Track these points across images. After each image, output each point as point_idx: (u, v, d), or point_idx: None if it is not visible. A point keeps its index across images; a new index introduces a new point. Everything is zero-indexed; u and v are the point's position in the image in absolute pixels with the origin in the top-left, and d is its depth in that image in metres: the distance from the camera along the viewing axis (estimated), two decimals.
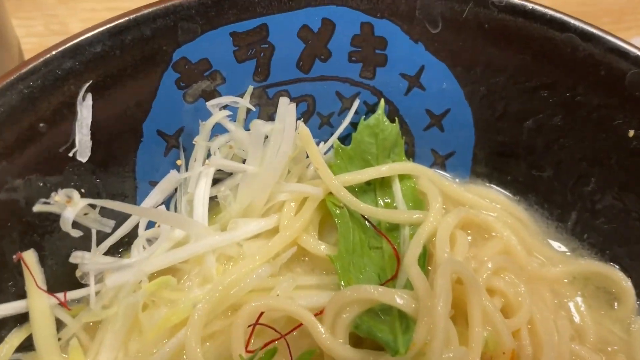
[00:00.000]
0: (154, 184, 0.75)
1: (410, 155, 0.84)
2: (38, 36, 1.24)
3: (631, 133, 0.75)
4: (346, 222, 0.72)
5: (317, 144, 0.77)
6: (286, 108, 0.69)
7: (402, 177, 0.78)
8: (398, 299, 0.60)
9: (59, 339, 0.67)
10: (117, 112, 0.69)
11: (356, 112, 0.81)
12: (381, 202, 0.76)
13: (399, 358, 0.58)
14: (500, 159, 0.84)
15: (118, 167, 0.72)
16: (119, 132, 0.70)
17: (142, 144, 0.73)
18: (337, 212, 0.72)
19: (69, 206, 0.61)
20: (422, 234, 0.72)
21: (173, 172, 0.73)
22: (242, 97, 0.75)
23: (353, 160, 0.79)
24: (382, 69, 0.79)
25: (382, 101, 0.81)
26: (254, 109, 0.72)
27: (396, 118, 0.81)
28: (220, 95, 0.75)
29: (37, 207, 0.62)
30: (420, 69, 0.79)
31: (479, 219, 0.76)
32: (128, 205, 0.64)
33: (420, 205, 0.76)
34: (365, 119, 0.80)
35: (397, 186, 0.76)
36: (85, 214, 0.65)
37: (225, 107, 0.74)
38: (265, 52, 0.75)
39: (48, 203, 0.62)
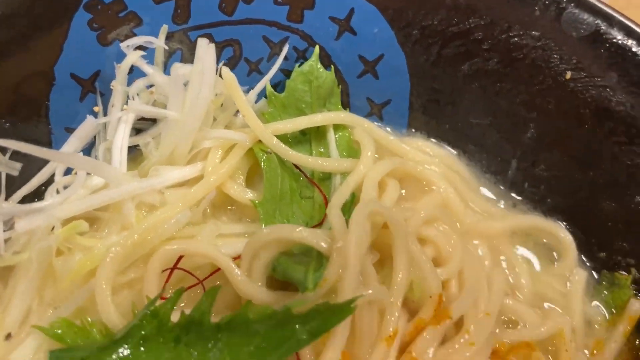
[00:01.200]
0: (70, 130, 0.72)
1: (346, 104, 0.82)
2: None
3: (568, 75, 0.73)
4: (274, 168, 0.70)
5: (247, 91, 0.74)
6: (205, 49, 0.66)
7: (338, 127, 0.76)
8: (311, 237, 0.58)
9: None
10: (26, 54, 0.66)
11: (286, 59, 0.78)
12: (315, 152, 0.73)
13: (308, 294, 0.55)
14: (437, 106, 0.82)
15: (29, 111, 0.69)
16: (28, 75, 0.67)
17: (55, 87, 0.69)
18: (264, 157, 0.70)
19: None
20: (350, 182, 0.70)
21: (90, 118, 0.70)
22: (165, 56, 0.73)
23: (287, 109, 0.76)
24: (310, 12, 0.76)
25: (317, 47, 0.78)
26: (166, 47, 0.69)
27: (332, 65, 0.79)
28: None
29: None
30: (350, 12, 0.76)
31: (416, 172, 0.74)
32: (41, 149, 0.61)
33: (355, 155, 0.74)
34: (299, 66, 0.78)
35: (331, 136, 0.74)
36: None
37: (141, 48, 0.70)
38: None
39: None
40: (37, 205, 0.64)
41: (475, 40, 0.76)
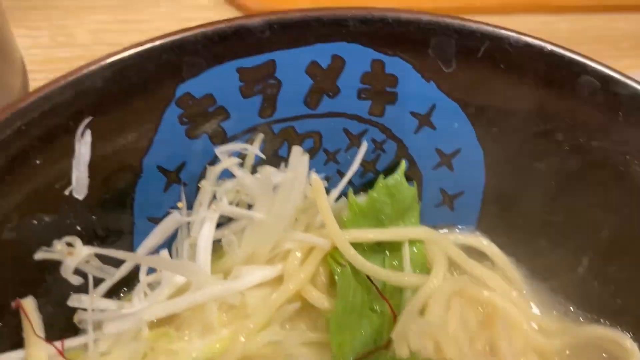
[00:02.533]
0: (152, 220, 0.73)
1: (418, 194, 0.82)
2: (44, 47, 1.22)
3: None
4: (348, 280, 0.70)
5: (327, 191, 0.75)
6: (299, 158, 0.66)
7: (413, 241, 0.76)
8: None
9: None
10: (117, 148, 0.66)
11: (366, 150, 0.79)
12: (388, 264, 0.74)
13: None
14: (510, 201, 0.81)
15: (115, 203, 0.69)
16: (118, 169, 0.68)
17: (141, 179, 0.70)
18: (338, 270, 0.70)
19: (72, 255, 0.60)
20: (418, 298, 0.70)
21: (175, 214, 0.70)
22: (249, 140, 0.74)
23: (366, 217, 0.77)
24: (391, 107, 0.76)
25: (403, 163, 0.79)
26: (263, 157, 0.70)
27: (414, 181, 0.79)
28: (224, 131, 0.72)
29: (39, 255, 0.61)
30: (432, 108, 0.77)
31: (483, 297, 0.74)
32: (130, 254, 0.63)
33: (427, 271, 0.74)
34: (384, 178, 0.79)
35: (406, 249, 0.74)
36: (87, 262, 0.64)
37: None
38: (272, 88, 0.72)
39: (50, 251, 0.61)
40: (126, 310, 0.65)
41: (556, 141, 0.76)
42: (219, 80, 0.69)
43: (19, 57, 0.98)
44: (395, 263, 0.75)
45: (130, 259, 0.65)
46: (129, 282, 0.72)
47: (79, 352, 0.67)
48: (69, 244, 0.63)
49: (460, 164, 0.80)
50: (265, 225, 0.70)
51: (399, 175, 0.79)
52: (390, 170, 0.81)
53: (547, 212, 0.80)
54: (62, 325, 0.67)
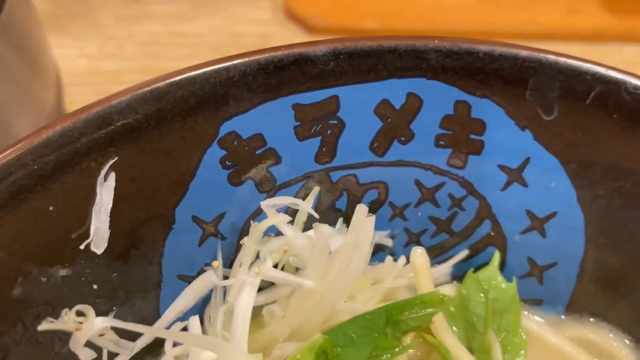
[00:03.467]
0: (183, 278, 0.61)
1: (501, 262, 0.68)
2: (89, 58, 1.15)
3: None
4: None
5: (393, 252, 0.63)
6: (363, 219, 0.54)
7: (505, 348, 0.62)
8: None
9: None
10: (145, 195, 0.56)
11: (438, 206, 0.66)
12: None
13: None
14: (613, 278, 0.67)
15: (141, 258, 0.59)
16: (146, 219, 0.57)
17: (173, 232, 0.59)
18: None
19: (81, 330, 0.50)
20: None
21: (209, 273, 0.59)
22: (303, 191, 0.62)
23: (454, 318, 0.64)
24: (476, 158, 0.63)
25: (497, 255, 0.67)
26: (317, 216, 0.58)
27: (514, 278, 0.66)
28: (273, 177, 0.61)
29: (44, 326, 0.51)
30: (525, 162, 0.63)
31: None
32: (152, 328, 0.52)
33: None
34: (474, 272, 0.66)
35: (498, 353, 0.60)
36: (101, 335, 0.53)
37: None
38: (333, 129, 0.60)
39: (56, 322, 0.51)
40: None
41: None
42: (271, 118, 0.58)
43: (53, 69, 0.90)
44: None
45: (152, 333, 0.54)
46: (153, 349, 0.61)
47: None
48: (80, 313, 0.52)
49: (554, 230, 0.66)
50: (318, 296, 0.58)
51: (492, 267, 0.66)
52: (466, 231, 0.68)
53: None
54: None
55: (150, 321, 0.60)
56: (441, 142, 0.63)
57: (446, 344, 0.60)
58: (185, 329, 0.60)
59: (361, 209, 0.55)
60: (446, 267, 0.68)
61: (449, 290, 0.66)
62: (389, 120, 0.61)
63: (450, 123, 0.62)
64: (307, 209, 0.58)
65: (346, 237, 0.55)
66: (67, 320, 0.50)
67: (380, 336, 0.57)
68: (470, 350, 0.62)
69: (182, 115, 0.55)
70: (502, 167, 0.64)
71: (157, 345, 0.61)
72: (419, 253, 0.61)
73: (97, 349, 0.55)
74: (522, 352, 0.63)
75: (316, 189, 0.62)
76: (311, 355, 0.54)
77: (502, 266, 0.69)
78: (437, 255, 0.69)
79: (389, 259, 0.66)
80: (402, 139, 0.62)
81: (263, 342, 0.61)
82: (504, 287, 0.65)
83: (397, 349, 0.58)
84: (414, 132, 0.62)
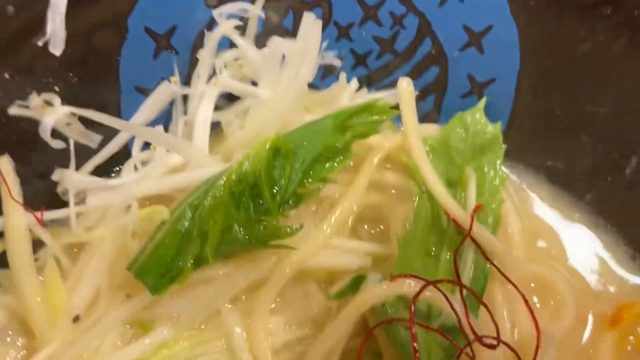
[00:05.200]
0: (140, 90, 0.65)
1: (442, 82, 0.72)
2: None
3: None
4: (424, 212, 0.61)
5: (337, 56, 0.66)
6: (310, 26, 0.58)
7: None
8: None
9: (36, 259, 0.59)
10: (97, 3, 0.60)
11: (380, 25, 0.70)
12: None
13: None
14: (548, 88, 0.71)
15: (98, 66, 0.62)
16: (99, 25, 0.60)
17: (127, 42, 0.62)
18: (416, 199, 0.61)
19: (48, 112, 0.53)
20: None
21: (167, 84, 0.63)
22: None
23: (435, 152, 0.66)
24: None
25: (484, 100, 0.69)
26: (263, 16, 0.61)
27: (500, 122, 0.69)
28: None
29: (13, 110, 0.54)
30: None
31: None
32: (120, 121, 0.56)
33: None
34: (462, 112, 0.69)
35: (472, 187, 0.63)
36: (68, 124, 0.56)
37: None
38: None
39: (25, 106, 0.55)
40: (113, 181, 0.58)
41: (602, 16, 0.65)
42: None
43: None
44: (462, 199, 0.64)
45: (119, 127, 0.57)
46: (120, 162, 0.66)
47: (62, 230, 0.61)
48: (47, 102, 0.56)
49: (491, 45, 0.70)
50: (271, 103, 0.61)
51: (477, 109, 0.69)
52: (409, 51, 0.72)
53: (592, 102, 0.70)
54: (45, 200, 0.60)
55: (114, 132, 0.64)
56: None
57: (420, 168, 0.61)
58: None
59: (309, 16, 0.59)
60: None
61: (433, 129, 0.69)
62: None
63: None
64: (257, 13, 0.61)
65: (295, 43, 0.59)
66: (35, 104, 0.53)
67: (329, 138, 0.60)
68: (448, 184, 0.65)
69: None
70: None
71: (123, 160, 0.65)
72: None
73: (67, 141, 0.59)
74: (500, 191, 0.64)
75: None
76: (264, 150, 0.57)
77: (445, 86, 0.73)
78: (383, 77, 0.73)
79: (342, 76, 0.69)
80: None
81: (225, 150, 0.65)
82: (486, 126, 0.68)
83: (345, 154, 0.61)
84: None
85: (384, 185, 0.65)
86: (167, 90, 0.64)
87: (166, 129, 0.67)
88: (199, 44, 0.66)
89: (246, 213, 0.57)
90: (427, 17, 0.69)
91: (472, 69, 0.72)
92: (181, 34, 0.65)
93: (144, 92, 0.65)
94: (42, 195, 0.62)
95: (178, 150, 0.61)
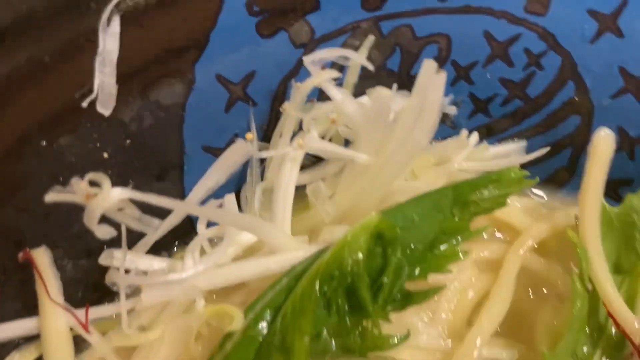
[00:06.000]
0: (210, 150, 0.53)
1: (583, 135, 0.57)
2: None
3: None
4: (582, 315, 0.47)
5: (455, 125, 0.52)
6: (431, 77, 0.43)
7: None
8: None
9: None
10: (158, 44, 0.47)
11: (511, 65, 0.55)
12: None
13: None
14: None
15: (158, 123, 0.50)
16: (160, 75, 0.48)
17: (194, 93, 0.50)
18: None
19: (95, 199, 0.41)
20: None
21: (241, 143, 0.50)
22: (349, 45, 0.51)
23: (610, 227, 0.51)
24: (560, 1, 0.52)
25: None
26: (371, 67, 0.47)
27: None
28: (311, 28, 0.51)
29: (50, 197, 0.43)
30: (621, 5, 0.51)
31: None
32: (179, 203, 0.45)
33: None
34: None
35: None
36: (120, 210, 0.45)
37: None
38: None
39: (65, 191, 0.43)
40: (174, 276, 0.46)
41: None
42: None
43: None
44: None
45: (182, 208, 0.46)
46: (184, 233, 0.54)
47: (112, 323, 0.51)
48: (93, 183, 0.44)
49: None
50: (371, 171, 0.48)
51: None
52: (544, 97, 0.57)
53: None
54: (89, 287, 0.51)
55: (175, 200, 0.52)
56: None
57: (588, 248, 0.48)
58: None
59: (429, 64, 0.44)
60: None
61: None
62: None
63: None
64: (360, 62, 0.48)
65: (410, 99, 0.45)
66: (78, 188, 0.41)
67: (446, 218, 0.48)
68: (616, 268, 0.50)
69: None
70: (592, 13, 0.52)
71: (186, 230, 0.54)
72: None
73: (117, 227, 0.47)
74: None
75: (370, 39, 0.51)
76: (365, 237, 0.45)
77: (585, 140, 0.58)
78: (507, 127, 0.59)
79: (463, 133, 0.56)
80: None
81: (308, 225, 0.52)
82: None
83: (464, 235, 0.48)
84: None
85: (525, 274, 0.52)
86: (241, 149, 0.51)
87: (238, 195, 0.54)
88: (281, 93, 0.52)
89: (339, 317, 0.46)
90: (573, 56, 0.54)
91: (625, 120, 0.56)
92: (260, 82, 0.52)
93: (213, 152, 0.53)
94: (87, 275, 0.51)
95: (254, 232, 0.49)
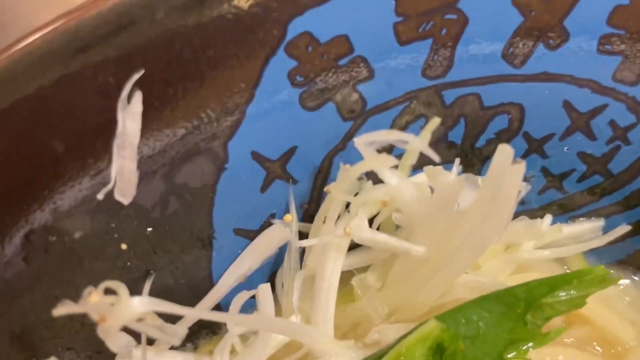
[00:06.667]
0: (240, 232, 0.47)
1: None
2: None
3: None
4: None
5: (524, 201, 0.45)
6: (507, 165, 0.36)
7: None
8: None
9: None
10: (186, 123, 0.41)
11: (594, 138, 0.47)
12: None
13: None
14: None
15: (184, 209, 0.44)
16: (188, 156, 0.42)
17: (226, 173, 0.43)
18: None
19: (111, 312, 0.35)
20: None
21: (278, 226, 0.44)
22: (405, 118, 0.44)
23: None
24: None
25: None
26: (437, 160, 0.39)
27: None
28: (362, 99, 0.44)
29: (59, 311, 0.37)
30: None
31: None
32: (205, 312, 0.38)
33: None
34: None
35: None
36: (140, 320, 0.39)
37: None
38: (450, 26, 0.42)
39: (75, 305, 0.37)
40: None
41: None
42: (361, 12, 0.40)
43: None
44: None
45: (209, 317, 0.40)
46: (211, 322, 0.48)
47: None
48: (110, 291, 0.38)
49: None
50: (429, 265, 0.41)
51: None
52: (628, 173, 0.49)
53: None
54: None
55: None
56: (607, 47, 0.43)
57: None
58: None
59: (504, 150, 0.37)
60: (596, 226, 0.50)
61: None
62: (532, 13, 0.42)
63: (623, 17, 0.42)
64: (420, 149, 0.40)
65: (480, 191, 0.37)
66: (92, 301, 0.35)
67: (517, 326, 0.40)
68: None
69: (233, 12, 0.38)
70: None
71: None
72: None
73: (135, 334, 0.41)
74: None
75: (436, 120, 0.44)
76: (423, 350, 0.38)
77: None
78: (582, 204, 0.51)
79: (539, 221, 0.48)
80: (551, 41, 0.43)
81: (353, 319, 0.46)
82: None
83: (535, 342, 0.41)
84: (568, 31, 0.42)
85: None
86: (279, 233, 0.45)
87: (272, 282, 0.48)
88: (325, 169, 0.46)
89: None
90: None
91: None
92: (302, 158, 0.45)
93: (246, 234, 0.46)
94: None
95: (294, 336, 0.42)
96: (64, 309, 0.37)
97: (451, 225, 0.40)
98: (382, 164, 0.41)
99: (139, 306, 0.37)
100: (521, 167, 0.35)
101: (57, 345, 0.42)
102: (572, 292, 0.42)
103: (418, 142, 0.39)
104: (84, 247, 0.40)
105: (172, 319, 0.40)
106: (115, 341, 0.39)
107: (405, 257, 0.44)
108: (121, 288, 0.37)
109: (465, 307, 0.42)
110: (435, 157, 0.36)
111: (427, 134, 0.43)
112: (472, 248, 0.40)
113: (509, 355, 0.42)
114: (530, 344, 0.42)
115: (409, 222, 0.42)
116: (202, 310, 0.40)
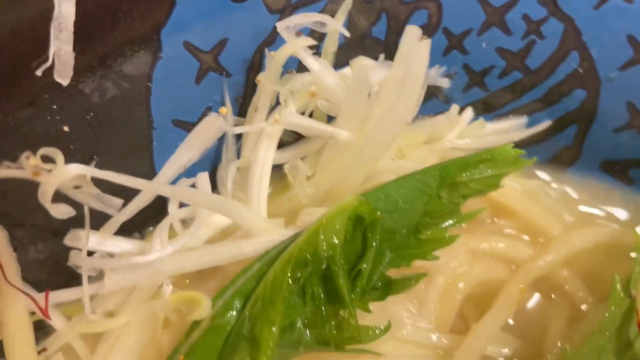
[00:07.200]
0: (180, 124, 0.49)
1: (590, 110, 0.53)
2: None
3: None
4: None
5: (448, 99, 0.48)
6: (414, 45, 0.39)
7: None
8: None
9: (44, 350, 0.47)
10: (120, 9, 0.43)
11: (509, 33, 0.50)
12: None
13: None
14: None
15: (122, 95, 0.46)
16: (123, 43, 0.45)
17: (161, 62, 0.46)
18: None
19: (47, 175, 0.38)
20: None
21: (214, 117, 0.47)
22: (328, 10, 0.47)
23: None
24: None
25: None
26: (347, 34, 0.42)
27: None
28: None
29: (1, 173, 0.40)
30: None
31: None
32: (145, 182, 0.41)
33: None
34: None
35: None
36: (77, 187, 0.41)
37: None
38: None
39: (15, 166, 0.40)
40: (139, 259, 0.43)
41: None
42: None
43: None
44: None
45: (146, 188, 0.42)
46: (157, 213, 0.50)
47: (77, 308, 0.48)
48: (47, 158, 0.41)
49: None
50: (354, 148, 0.44)
51: None
52: (546, 68, 0.52)
53: None
54: (56, 270, 0.48)
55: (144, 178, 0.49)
56: None
57: None
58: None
59: (412, 31, 0.40)
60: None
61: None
62: None
63: None
64: (338, 29, 0.44)
65: (392, 69, 0.40)
66: (29, 164, 0.38)
67: (433, 200, 0.44)
68: None
69: None
70: None
71: (159, 210, 0.50)
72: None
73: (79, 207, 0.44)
74: None
75: (348, 2, 0.47)
76: (342, 220, 0.42)
77: (592, 115, 0.53)
78: (505, 102, 0.54)
79: (454, 108, 0.51)
80: None
81: (287, 207, 0.49)
82: None
83: (453, 219, 0.44)
84: None
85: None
86: (215, 124, 0.48)
87: (213, 175, 0.51)
88: (257, 63, 0.49)
89: (314, 305, 0.43)
90: (577, 23, 0.50)
91: (635, 95, 0.52)
92: (233, 50, 0.48)
93: (184, 126, 0.49)
94: (53, 257, 0.48)
95: (227, 214, 0.46)
96: (2, 171, 0.40)
97: (369, 107, 0.43)
98: (303, 45, 0.44)
99: (75, 170, 0.40)
100: (427, 44, 0.38)
101: (6, 222, 0.45)
102: (487, 171, 0.45)
103: (334, 22, 0.42)
104: (29, 127, 0.43)
105: None
106: (55, 207, 0.42)
107: (332, 145, 0.47)
108: (58, 154, 0.40)
109: (386, 186, 0.45)
110: (347, 33, 0.39)
111: (341, 15, 0.46)
112: (388, 128, 0.43)
113: (427, 232, 0.45)
114: (450, 221, 0.46)
115: (334, 109, 0.45)
116: (140, 180, 0.42)
